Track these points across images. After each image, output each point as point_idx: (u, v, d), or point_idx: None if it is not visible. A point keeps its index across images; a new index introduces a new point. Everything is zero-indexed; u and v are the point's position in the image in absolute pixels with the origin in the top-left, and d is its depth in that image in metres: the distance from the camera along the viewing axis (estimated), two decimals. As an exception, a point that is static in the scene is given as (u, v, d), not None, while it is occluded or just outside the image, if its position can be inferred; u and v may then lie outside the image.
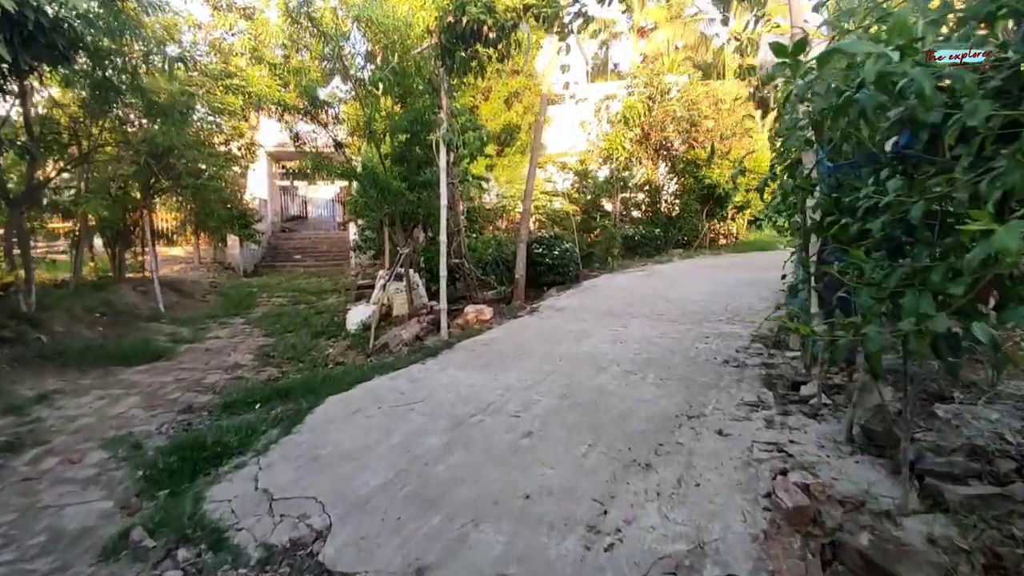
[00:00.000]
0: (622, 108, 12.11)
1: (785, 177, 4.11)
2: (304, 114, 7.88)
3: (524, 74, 26.73)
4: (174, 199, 12.71)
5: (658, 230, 12.85)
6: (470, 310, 7.47)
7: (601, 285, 8.92)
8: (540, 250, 9.13)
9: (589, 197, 12.06)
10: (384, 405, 4.34)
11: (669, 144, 13.09)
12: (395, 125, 7.72)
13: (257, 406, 4.86)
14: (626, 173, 12.40)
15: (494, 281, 8.15)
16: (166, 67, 10.03)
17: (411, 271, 9.08)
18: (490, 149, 29.64)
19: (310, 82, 7.72)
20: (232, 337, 8.98)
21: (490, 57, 6.48)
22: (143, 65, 9.71)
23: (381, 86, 6.75)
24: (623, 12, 36.37)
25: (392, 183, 7.45)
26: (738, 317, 6.28)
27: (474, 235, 9.24)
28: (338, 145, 8.86)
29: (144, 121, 11.05)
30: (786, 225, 6.74)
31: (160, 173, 11.51)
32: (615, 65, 42.43)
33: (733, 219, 15.93)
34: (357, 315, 9.35)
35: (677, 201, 13.34)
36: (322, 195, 26.81)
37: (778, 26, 6.35)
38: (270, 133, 16.62)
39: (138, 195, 11.69)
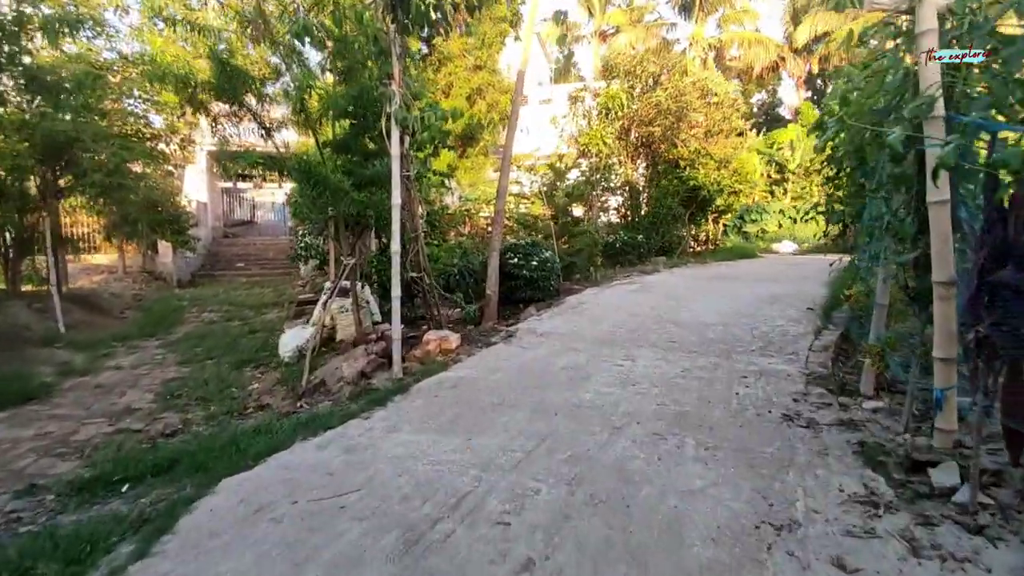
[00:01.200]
0: (603, 98, 10.84)
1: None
2: (218, 92, 6.20)
3: (487, 70, 25.41)
4: (86, 199, 10.76)
5: (640, 236, 11.65)
6: (431, 337, 5.93)
7: (589, 302, 7.53)
8: (515, 260, 7.68)
9: (564, 199, 10.74)
10: (301, 499, 2.81)
11: (652, 140, 11.93)
12: (334, 103, 6.14)
13: (125, 487, 3.39)
14: (605, 172, 11.13)
15: (461, 299, 6.64)
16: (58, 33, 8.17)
17: (361, 286, 7.46)
18: (450, 156, 28.19)
19: (223, 47, 6.05)
20: (137, 367, 7.32)
21: (456, 6, 4.99)
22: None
23: (308, 40, 5.17)
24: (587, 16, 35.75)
25: (331, 178, 5.86)
26: (773, 346, 4.98)
27: (436, 243, 7.72)
28: (267, 132, 7.17)
29: (34, 102, 9.18)
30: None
31: (61, 168, 9.66)
32: (578, 68, 41.95)
33: (713, 224, 14.96)
34: (292, 339, 7.68)
35: (659, 204, 12.18)
36: (272, 198, 24.85)
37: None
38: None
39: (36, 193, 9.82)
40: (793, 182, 30.30)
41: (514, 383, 4.47)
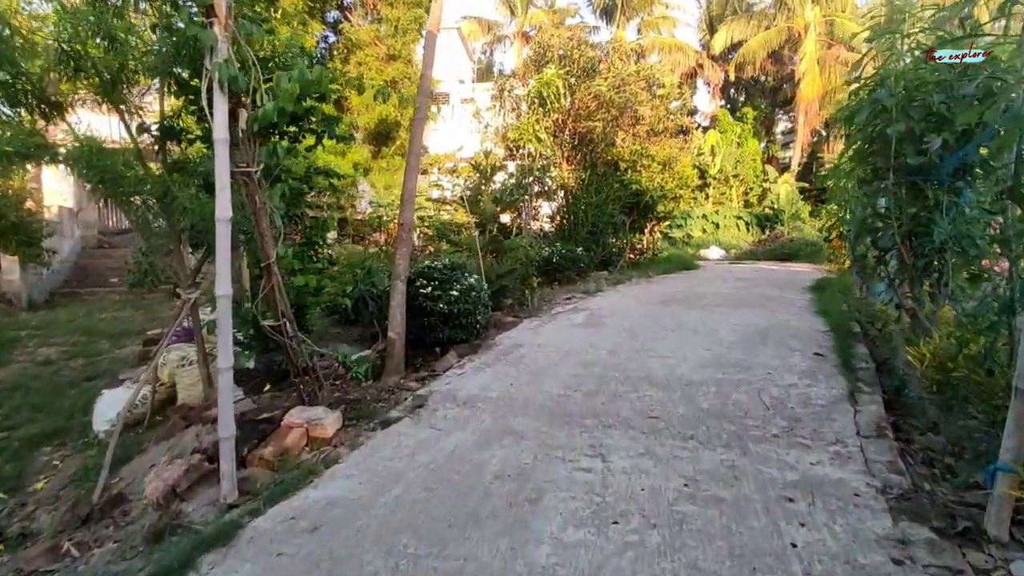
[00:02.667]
0: (536, 84, 9.14)
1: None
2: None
3: (402, 60, 23.14)
4: None
5: (580, 249, 10.10)
6: (295, 420, 3.87)
7: (527, 344, 5.73)
8: (429, 290, 5.75)
9: (491, 206, 8.96)
10: None
11: (591, 138, 10.45)
12: (142, 59, 3.95)
13: None
14: (539, 174, 9.44)
15: (346, 355, 4.61)
16: None
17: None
18: (364, 152, 25.67)
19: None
20: None
21: None
22: None
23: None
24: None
25: (119, 165, 3.68)
26: (801, 425, 3.41)
27: (318, 264, 5.65)
28: (49, 110, 4.72)
29: None
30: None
31: None
32: (500, 68, 40.62)
33: (652, 232, 13.80)
34: (110, 405, 5.37)
35: (599, 211, 10.71)
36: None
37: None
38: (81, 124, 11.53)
39: None
40: (714, 187, 30.64)
41: (419, 514, 2.58)
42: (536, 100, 9.08)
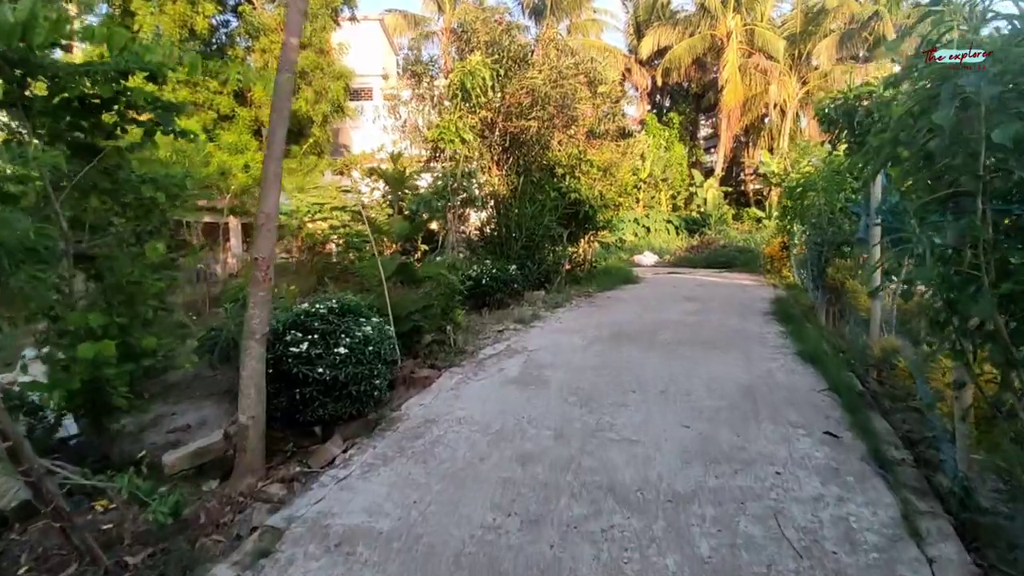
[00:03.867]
0: (458, 73, 7.58)
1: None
2: None
3: (313, 49, 20.79)
4: None
5: (513, 267, 8.71)
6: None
7: (443, 419, 4.19)
8: (305, 347, 4.09)
9: (403, 222, 7.39)
10: None
11: (524, 140, 9.08)
12: None
13: None
14: (464, 180, 7.91)
15: (220, 399, 2.90)
16: None
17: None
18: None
19: None
20: None
21: None
22: None
23: None
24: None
25: None
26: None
27: (147, 315, 3.88)
28: None
29: None
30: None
31: None
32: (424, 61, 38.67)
33: (590, 243, 12.70)
34: None
35: (534, 223, 9.37)
36: None
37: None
38: None
39: None
40: (644, 191, 30.57)
41: None
42: (459, 93, 7.57)
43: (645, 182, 29.70)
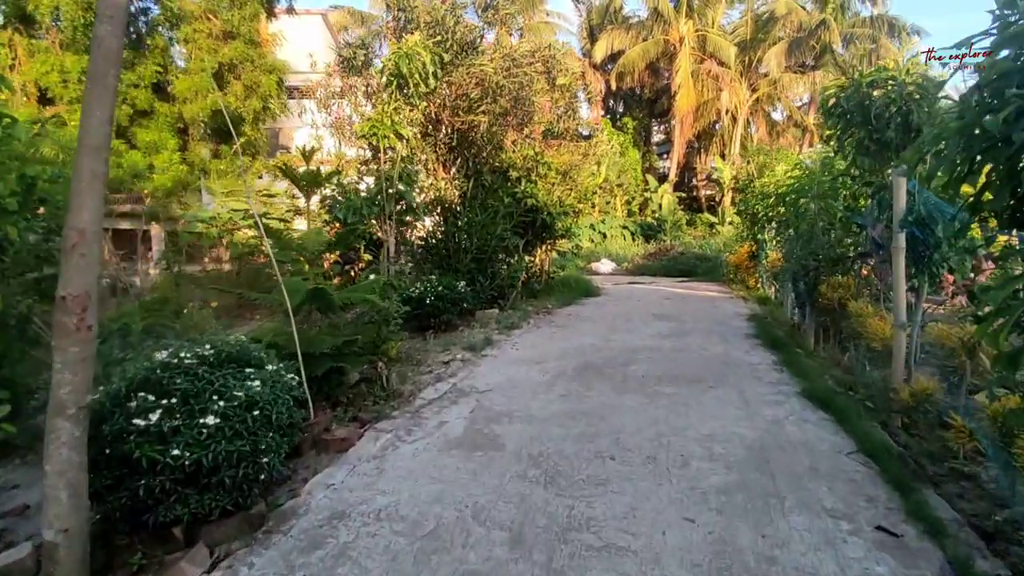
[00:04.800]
0: (393, 56, 6.34)
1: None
2: None
3: (243, 40, 18.99)
4: None
5: (462, 283, 7.59)
6: None
7: (355, 514, 3.00)
8: (153, 420, 2.84)
9: (315, 237, 6.14)
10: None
11: (473, 138, 7.94)
12: None
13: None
14: (403, 185, 6.68)
15: None
16: None
17: None
18: (202, 150, 20.91)
19: None
20: None
21: None
22: None
23: None
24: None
25: None
26: None
27: None
28: None
29: None
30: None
31: None
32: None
33: (548, 253, 11.74)
34: None
35: (487, 233, 8.28)
36: None
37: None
38: None
39: None
40: (600, 196, 30.15)
41: None
42: (394, 80, 6.38)
43: (601, 187, 29.32)
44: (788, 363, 5.14)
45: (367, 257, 8.16)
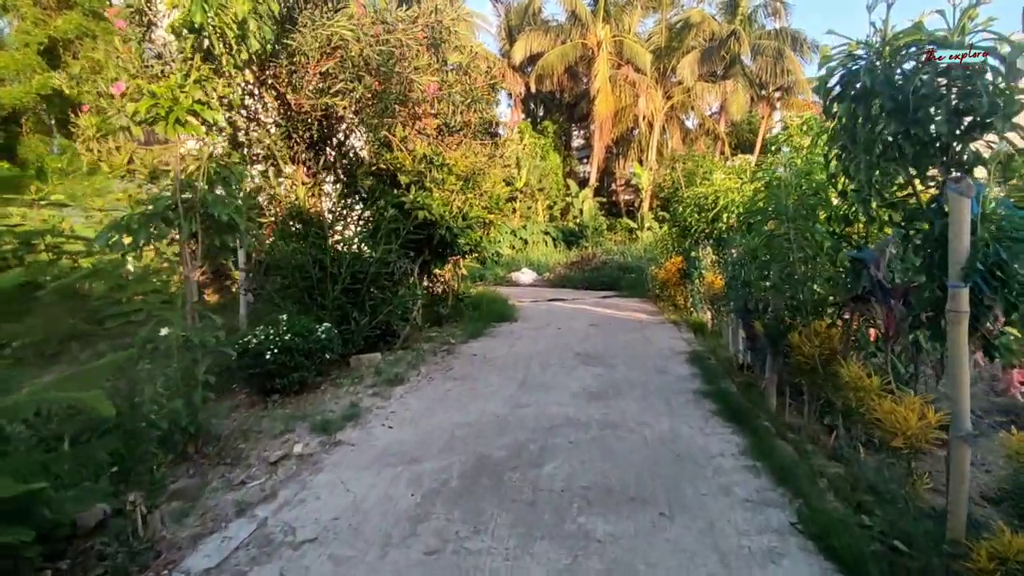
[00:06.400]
0: (188, 4, 4.18)
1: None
2: None
3: (81, 10, 15.61)
4: None
5: (324, 325, 5.58)
6: None
7: None
8: None
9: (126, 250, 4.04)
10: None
11: (336, 122, 5.91)
12: None
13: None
14: (210, 195, 4.56)
15: None
16: None
17: None
18: (35, 147, 17.22)
19: None
20: None
21: None
22: None
23: None
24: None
25: None
26: None
27: None
28: None
29: None
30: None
31: None
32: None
33: (455, 267, 9.96)
34: None
35: (367, 250, 6.32)
36: None
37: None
38: None
39: None
40: (521, 201, 28.94)
41: None
42: (192, 37, 4.26)
43: (522, 191, 28.17)
44: (761, 453, 3.67)
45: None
